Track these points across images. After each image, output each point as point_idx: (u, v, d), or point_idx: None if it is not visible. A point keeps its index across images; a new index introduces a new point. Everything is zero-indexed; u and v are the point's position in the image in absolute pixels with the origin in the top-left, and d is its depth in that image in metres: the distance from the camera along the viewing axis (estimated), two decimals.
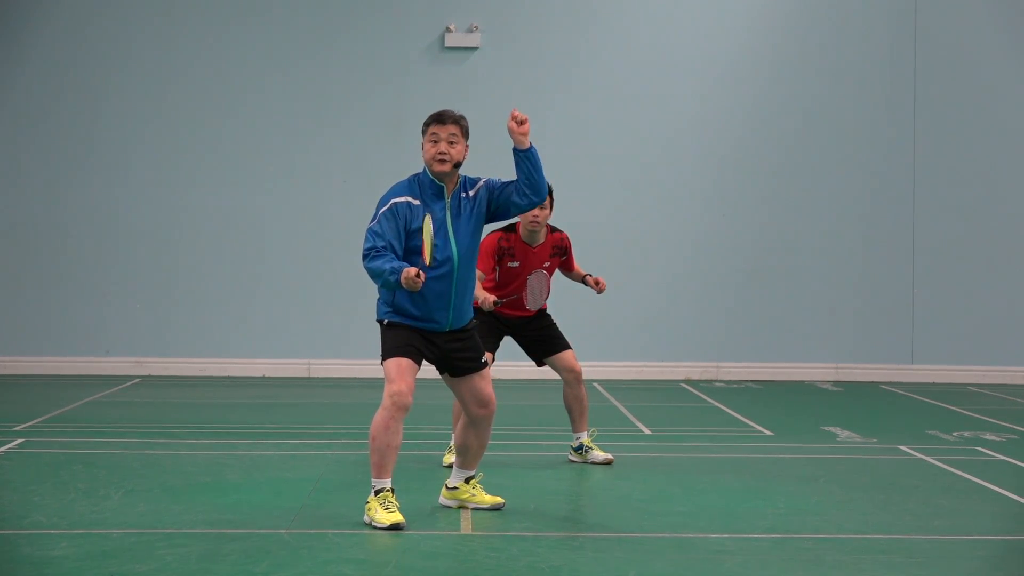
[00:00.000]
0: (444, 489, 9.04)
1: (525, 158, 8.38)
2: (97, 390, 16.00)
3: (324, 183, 18.05)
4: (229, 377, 17.85)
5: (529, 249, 10.59)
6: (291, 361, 18.10)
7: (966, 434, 12.92)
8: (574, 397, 10.85)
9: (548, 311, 10.90)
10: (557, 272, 10.88)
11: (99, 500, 9.01)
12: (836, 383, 17.98)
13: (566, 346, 10.80)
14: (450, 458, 10.54)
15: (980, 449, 11.90)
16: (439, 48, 18.17)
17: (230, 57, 18.12)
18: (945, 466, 10.88)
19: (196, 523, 8.32)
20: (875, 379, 18.16)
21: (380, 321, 8.55)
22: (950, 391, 17.06)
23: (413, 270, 8.04)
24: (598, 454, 10.88)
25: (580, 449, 10.90)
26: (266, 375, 17.98)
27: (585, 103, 18.28)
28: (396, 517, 8.30)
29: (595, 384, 16.90)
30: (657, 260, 18.21)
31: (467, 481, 8.96)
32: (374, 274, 8.22)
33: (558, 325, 10.85)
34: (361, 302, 17.90)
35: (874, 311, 18.35)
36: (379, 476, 8.40)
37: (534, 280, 10.46)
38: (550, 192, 10.49)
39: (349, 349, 17.94)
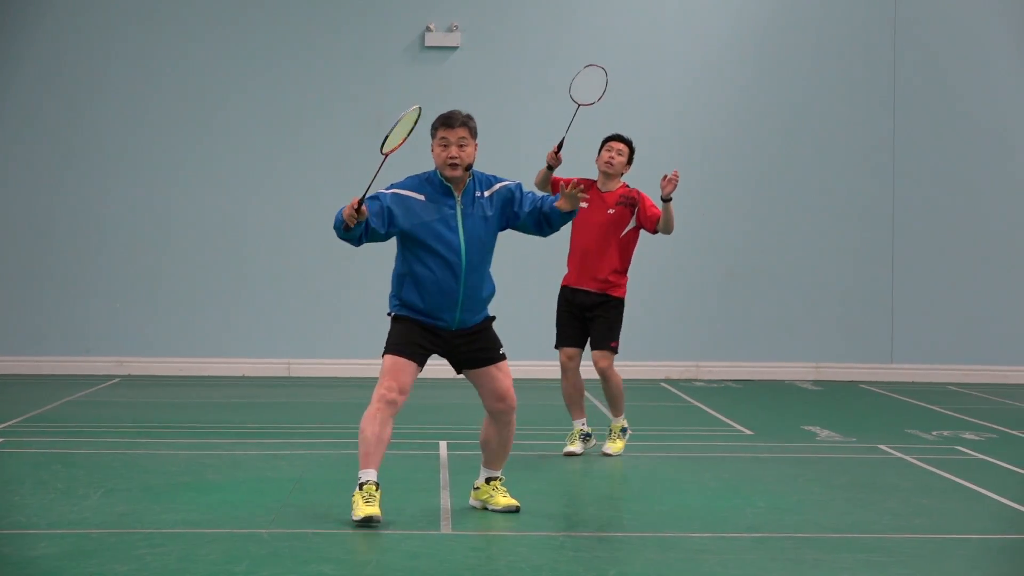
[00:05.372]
0: (472, 489, 9.05)
1: (568, 216, 8.60)
2: (77, 390, 15.96)
3: (305, 183, 18.01)
4: (210, 377, 17.81)
5: (599, 193, 11.20)
6: (271, 361, 18.07)
7: (945, 433, 12.95)
8: (604, 391, 11.36)
9: (611, 301, 11.28)
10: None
11: (79, 500, 8.99)
12: (816, 382, 18.01)
13: (601, 344, 11.14)
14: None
15: (959, 448, 11.94)
16: (419, 47, 18.16)
17: (211, 58, 18.09)
18: (925, 465, 10.91)
19: (176, 523, 8.30)
20: (855, 378, 18.20)
21: (388, 314, 8.63)
22: (929, 390, 17.11)
23: (355, 200, 8.12)
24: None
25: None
26: (246, 375, 17.95)
27: (565, 103, 18.18)
28: (370, 510, 8.24)
29: None
30: (637, 260, 18.05)
31: (488, 482, 8.92)
32: (335, 225, 8.30)
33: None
34: (341, 302, 17.94)
35: (853, 310, 18.39)
36: (364, 467, 8.38)
37: (591, 72, 11.04)
38: (630, 145, 11.37)
39: (329, 349, 17.94)
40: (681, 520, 8.70)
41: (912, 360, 18.36)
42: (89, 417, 13.66)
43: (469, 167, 8.49)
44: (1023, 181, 18.49)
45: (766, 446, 12.04)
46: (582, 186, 8.44)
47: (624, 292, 11.34)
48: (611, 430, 11.33)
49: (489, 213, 8.54)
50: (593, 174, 11.50)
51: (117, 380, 17.28)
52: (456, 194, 8.50)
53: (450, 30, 18.10)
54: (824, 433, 12.87)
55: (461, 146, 8.42)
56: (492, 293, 8.72)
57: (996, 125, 18.44)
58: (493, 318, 8.77)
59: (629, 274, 11.52)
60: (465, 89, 17.97)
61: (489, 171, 8.81)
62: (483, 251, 8.55)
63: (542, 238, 9.07)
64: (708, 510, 9.00)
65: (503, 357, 8.66)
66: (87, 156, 17.97)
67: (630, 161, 11.36)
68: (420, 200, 8.44)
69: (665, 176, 11.00)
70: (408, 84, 17.97)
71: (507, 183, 8.66)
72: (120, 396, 15.74)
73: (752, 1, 18.46)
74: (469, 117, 8.53)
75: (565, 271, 11.45)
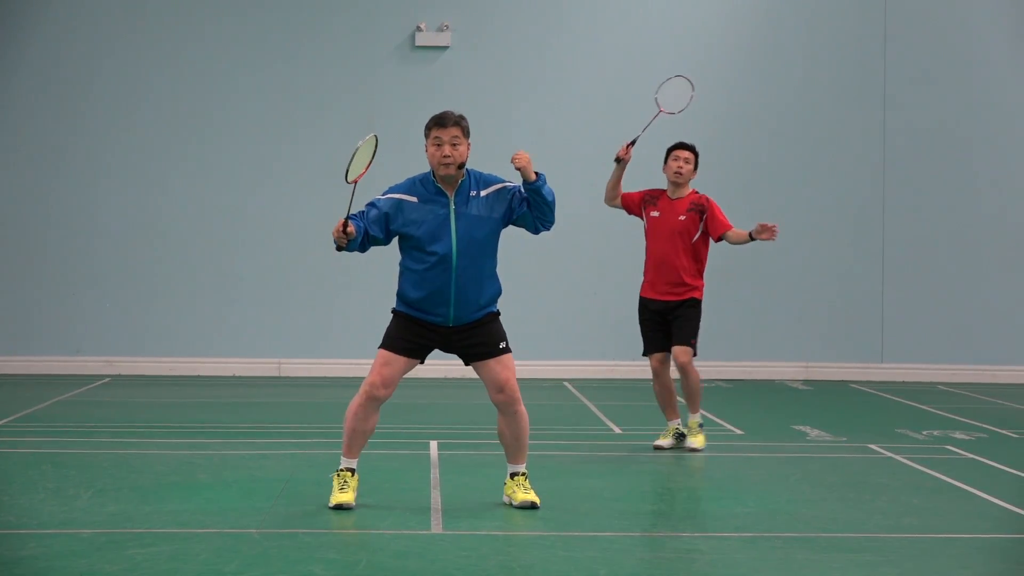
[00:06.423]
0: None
1: (532, 185, 8.57)
2: (67, 389, 15.93)
3: (296, 183, 17.98)
4: (199, 377, 17.78)
5: (670, 201, 11.53)
6: (261, 360, 18.04)
7: (935, 433, 12.96)
8: (681, 386, 11.64)
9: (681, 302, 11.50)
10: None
11: (68, 500, 8.98)
12: (806, 382, 18.01)
13: (682, 340, 11.38)
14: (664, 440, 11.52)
15: (949, 448, 11.95)
16: (410, 47, 18.15)
17: (201, 59, 18.05)
18: (915, 465, 10.92)
19: (166, 523, 8.29)
20: (845, 378, 18.20)
21: (392, 309, 8.83)
22: (919, 390, 17.12)
23: (340, 222, 8.34)
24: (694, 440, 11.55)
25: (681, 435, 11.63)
26: (236, 374, 17.94)
27: (556, 102, 18.28)
28: (343, 497, 8.68)
29: (565, 383, 16.91)
30: (627, 259, 18.17)
31: (512, 477, 8.99)
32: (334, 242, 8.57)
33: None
34: (332, 302, 17.90)
35: (844, 310, 18.39)
36: (345, 455, 8.80)
37: (681, 83, 11.19)
38: (695, 152, 11.65)
39: (319, 349, 17.92)
40: (671, 520, 8.71)
41: (902, 360, 18.37)
42: (79, 417, 13.64)
43: (462, 165, 8.59)
44: (1012, 182, 18.50)
45: (756, 446, 12.05)
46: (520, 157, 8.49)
47: (701, 294, 11.64)
48: (690, 427, 11.61)
49: (485, 212, 8.62)
50: (658, 182, 11.97)
51: (107, 380, 17.26)
52: (449, 194, 8.61)
53: (441, 30, 18.09)
54: (814, 433, 12.88)
55: (454, 145, 8.53)
56: (495, 295, 8.79)
57: (985, 127, 18.44)
58: (497, 314, 8.84)
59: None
60: (456, 89, 17.95)
61: (482, 170, 8.85)
62: (477, 250, 8.61)
63: (545, 231, 8.95)
64: (698, 510, 9.01)
65: (503, 351, 8.75)
66: (77, 156, 17.93)
67: (696, 167, 11.70)
68: (413, 202, 8.60)
69: (766, 225, 11.29)
70: (399, 84, 17.96)
71: (507, 183, 8.75)
72: (110, 396, 15.71)
73: (742, 4, 18.46)
74: (462, 117, 8.64)
75: (641, 279, 11.82)
